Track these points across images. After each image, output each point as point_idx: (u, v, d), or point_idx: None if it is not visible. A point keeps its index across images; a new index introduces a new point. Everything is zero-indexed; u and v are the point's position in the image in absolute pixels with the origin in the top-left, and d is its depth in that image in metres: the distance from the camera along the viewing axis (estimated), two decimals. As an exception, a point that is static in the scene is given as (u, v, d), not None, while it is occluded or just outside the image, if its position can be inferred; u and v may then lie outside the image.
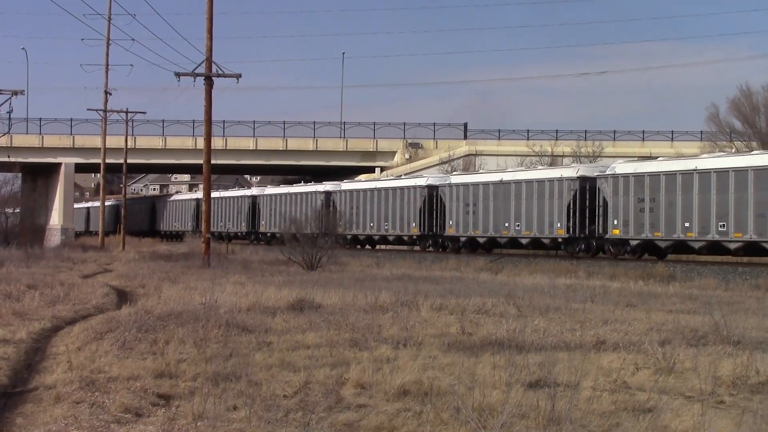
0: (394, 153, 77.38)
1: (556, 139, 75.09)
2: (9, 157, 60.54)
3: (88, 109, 68.84)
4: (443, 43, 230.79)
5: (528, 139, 75.84)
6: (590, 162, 58.18)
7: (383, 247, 55.97)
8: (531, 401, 9.80)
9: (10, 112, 46.53)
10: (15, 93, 46.30)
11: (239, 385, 11.15)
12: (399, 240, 53.11)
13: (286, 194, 64.43)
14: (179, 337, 14.68)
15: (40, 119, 77.86)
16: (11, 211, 71.25)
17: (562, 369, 11.65)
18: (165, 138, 78.12)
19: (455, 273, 35.32)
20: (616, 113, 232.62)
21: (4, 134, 48.16)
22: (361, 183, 59.89)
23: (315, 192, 60.50)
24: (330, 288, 23.88)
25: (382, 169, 75.94)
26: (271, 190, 69.64)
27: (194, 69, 39.43)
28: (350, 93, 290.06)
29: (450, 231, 48.06)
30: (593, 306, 20.44)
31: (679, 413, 9.79)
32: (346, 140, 77.89)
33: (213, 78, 39.21)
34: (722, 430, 9.28)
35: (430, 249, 49.97)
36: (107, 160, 65.00)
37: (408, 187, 51.82)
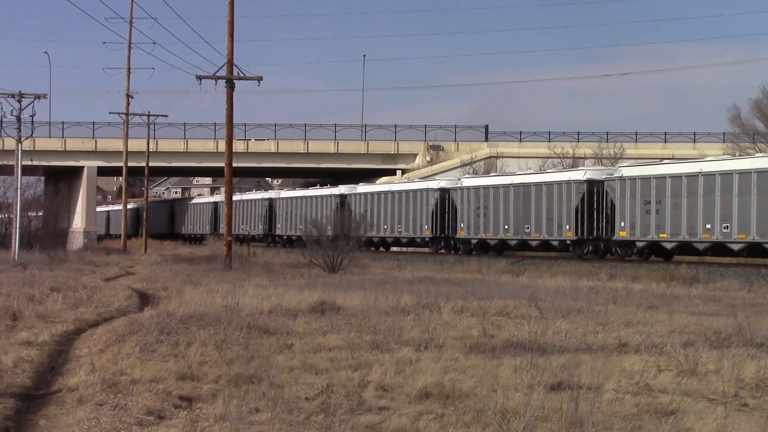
0: (415, 155, 77.28)
1: (578, 141, 74.80)
2: (32, 160, 60.77)
3: (110, 113, 69.68)
4: (464, 45, 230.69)
5: (549, 141, 75.60)
6: (611, 164, 57.98)
7: (395, 249, 56.06)
8: (553, 404, 9.78)
9: (33, 116, 46.74)
10: (38, 96, 46.53)
11: (261, 387, 11.16)
12: (412, 242, 53.34)
13: (301, 197, 65.02)
14: (201, 340, 14.72)
15: (63, 123, 78.17)
16: (34, 214, 71.63)
17: (584, 371, 11.62)
18: (186, 141, 78.26)
19: (477, 275, 35.29)
20: (638, 115, 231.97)
21: (27, 138, 48.36)
22: (376, 186, 60.06)
23: (330, 195, 60.87)
24: (351, 290, 23.89)
25: (403, 171, 75.84)
26: (287, 193, 70.24)
27: (215, 72, 39.57)
28: (371, 95, 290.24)
29: (461, 233, 48.27)
30: (615, 308, 20.37)
31: (702, 416, 9.74)
32: (367, 143, 77.82)
33: (234, 81, 39.31)
34: (746, 433, 9.22)
35: (442, 251, 50.19)
36: (129, 164, 65.22)
37: (421, 190, 52.02)
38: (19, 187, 47.17)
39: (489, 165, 72.63)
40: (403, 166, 76.91)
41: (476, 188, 47.84)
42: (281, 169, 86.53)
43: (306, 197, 64.20)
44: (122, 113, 64.60)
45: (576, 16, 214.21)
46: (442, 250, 50.14)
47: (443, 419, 9.71)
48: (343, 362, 13.03)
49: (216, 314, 17.62)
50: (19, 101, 45.72)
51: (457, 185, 49.64)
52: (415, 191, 52.47)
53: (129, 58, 64.20)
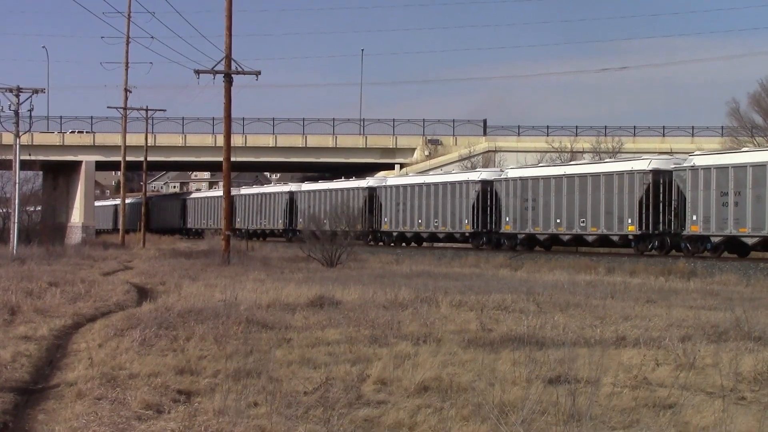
0: (413, 150, 77.31)
1: (576, 135, 74.83)
2: (30, 155, 60.75)
3: (108, 107, 69.37)
4: (462, 39, 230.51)
5: (548, 135, 75.64)
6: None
7: (429, 244, 53.55)
8: (551, 397, 9.79)
9: (31, 110, 46.69)
10: (36, 91, 46.46)
11: (260, 381, 11.17)
12: (450, 237, 50.57)
13: (325, 190, 61.52)
14: (199, 334, 14.74)
15: (61, 117, 78.16)
16: (32, 209, 71.66)
17: (582, 365, 11.64)
18: (185, 135, 78.22)
19: (475, 270, 35.31)
20: (636, 109, 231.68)
21: (25, 132, 48.30)
22: (408, 178, 56.72)
23: (357, 188, 57.73)
24: (350, 285, 23.90)
25: (402, 165, 75.86)
26: (309, 185, 65.80)
27: (214, 66, 39.54)
28: (369, 90, 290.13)
29: (506, 228, 45.41)
30: (613, 302, 20.39)
31: (699, 409, 9.76)
32: (366, 137, 77.82)
33: (232, 75, 39.29)
34: (743, 427, 9.24)
35: (484, 247, 47.43)
36: (127, 158, 65.20)
37: (460, 182, 48.95)
38: (17, 181, 47.14)
39: (487, 159, 72.67)
40: (401, 160, 76.93)
41: (524, 179, 44.90)
42: (279, 163, 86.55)
43: (330, 190, 60.85)
44: (120, 108, 64.56)
45: (575, 10, 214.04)
46: (484, 246, 47.49)
47: (441, 413, 9.72)
48: (341, 356, 13.05)
49: (214, 309, 17.63)
50: (17, 96, 45.64)
51: (501, 176, 46.77)
52: (453, 183, 49.49)
53: (127, 52, 64.13)
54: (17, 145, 46.17)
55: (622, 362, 12.44)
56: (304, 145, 77.88)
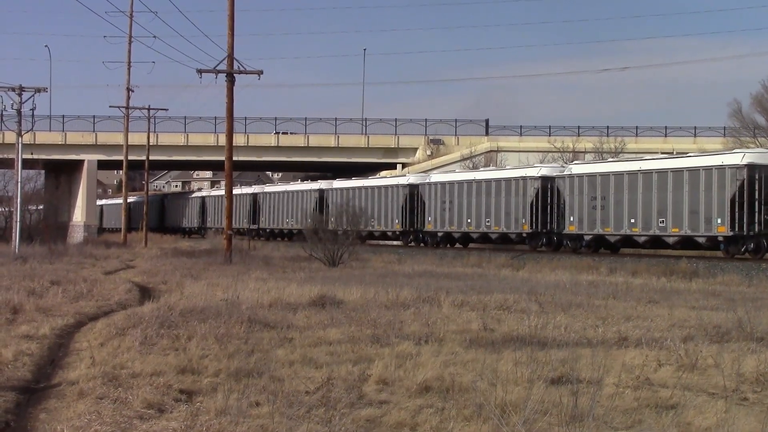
0: (415, 149, 77.33)
1: (578, 135, 74.86)
2: (32, 154, 60.82)
3: (110, 106, 69.25)
4: (464, 39, 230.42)
5: (550, 135, 75.65)
6: (612, 158, 56.49)
7: (474, 246, 49.66)
8: (553, 398, 9.78)
9: (33, 109, 46.75)
10: (38, 90, 46.53)
11: (261, 381, 11.17)
12: (504, 238, 46.93)
13: (360, 188, 57.65)
14: (201, 333, 14.73)
15: (63, 116, 78.19)
16: (34, 208, 71.67)
17: (584, 365, 11.63)
18: (187, 135, 78.25)
19: (477, 269, 35.28)
20: (638, 109, 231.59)
21: (28, 131, 48.34)
22: (455, 174, 52.41)
23: (397, 185, 54.08)
24: (351, 284, 23.89)
25: (404, 165, 75.90)
26: (340, 183, 61.64)
27: (216, 66, 39.56)
28: (371, 89, 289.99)
29: (571, 228, 41.77)
30: (615, 302, 20.37)
31: (702, 410, 9.75)
32: (368, 137, 77.83)
33: (234, 75, 39.30)
34: (746, 427, 9.23)
35: (543, 249, 44.12)
36: (129, 157, 65.23)
37: (516, 179, 45.25)
38: (19, 180, 47.18)
39: (489, 159, 72.69)
40: (403, 160, 76.96)
41: (591, 176, 41.07)
42: (282, 162, 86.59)
43: (366, 188, 57.00)
44: (122, 107, 64.59)
45: (576, 10, 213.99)
46: (543, 248, 44.14)
47: (443, 413, 9.71)
48: (343, 356, 13.04)
49: (216, 308, 17.63)
50: (20, 95, 45.70)
51: (564, 172, 43.06)
52: (509, 180, 45.60)
53: (129, 51, 64.21)
54: (19, 144, 46.21)
55: (624, 363, 12.42)
56: (306, 145, 77.90)
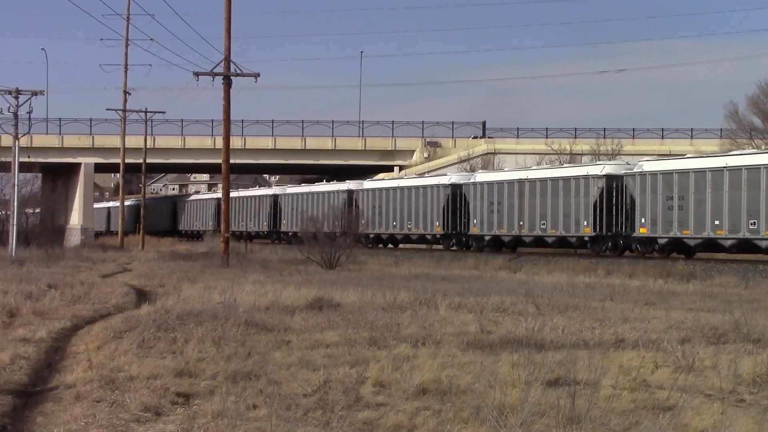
0: (412, 152, 77.38)
1: (575, 137, 74.93)
2: (29, 157, 60.82)
3: (107, 109, 69.08)
4: (461, 41, 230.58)
5: (547, 137, 75.72)
6: (609, 159, 55.98)
7: (526, 249, 46.04)
8: (550, 400, 9.78)
9: (30, 113, 46.71)
10: (35, 93, 46.48)
11: (259, 383, 11.16)
12: (563, 242, 43.16)
13: (394, 188, 53.48)
14: (198, 336, 14.71)
15: (60, 119, 78.19)
16: (31, 211, 71.61)
17: (581, 367, 11.62)
18: (184, 137, 78.27)
19: (474, 272, 35.30)
20: (636, 111, 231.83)
21: (24, 134, 48.32)
22: (503, 173, 48.63)
23: (438, 185, 50.11)
24: (348, 287, 23.89)
25: (401, 168, 75.96)
26: (372, 183, 57.83)
27: (213, 68, 39.54)
28: (368, 92, 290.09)
29: (642, 231, 38.06)
30: (612, 304, 20.39)
31: (699, 412, 9.76)
32: (365, 139, 77.91)
33: (231, 77, 39.30)
34: (742, 429, 9.24)
35: (608, 253, 40.69)
36: (126, 160, 65.23)
37: (576, 177, 41.74)
38: (16, 183, 47.14)
39: (486, 161, 72.74)
40: (400, 162, 77.02)
41: (666, 174, 37.29)
42: (279, 165, 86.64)
43: (402, 188, 52.80)
44: (119, 110, 64.60)
45: (573, 12, 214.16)
46: (608, 252, 40.70)
47: (440, 415, 9.71)
48: (340, 358, 13.04)
49: (213, 311, 17.62)
50: (16, 98, 45.66)
51: (634, 170, 39.15)
52: (567, 179, 42.09)
53: (126, 54, 64.17)
54: (16, 147, 46.17)
55: (621, 364, 12.43)
56: (303, 147, 77.95)
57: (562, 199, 41.95)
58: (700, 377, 11.75)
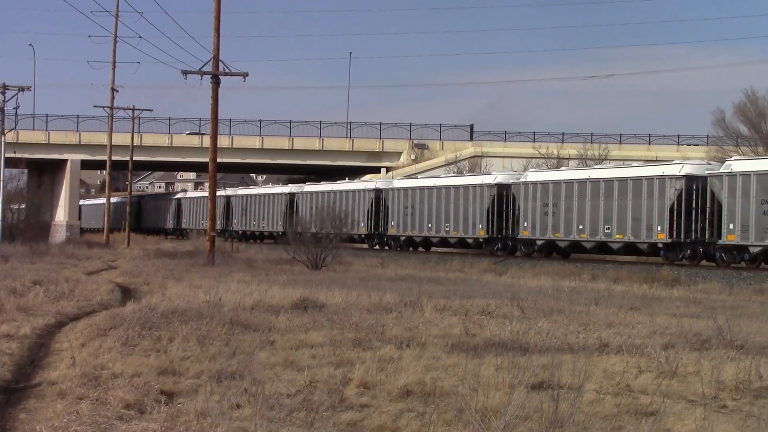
0: (400, 154, 77.41)
1: (563, 142, 75.11)
2: (15, 153, 60.66)
3: (94, 106, 69.02)
4: (451, 44, 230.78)
5: (534, 141, 75.86)
6: (595, 164, 55.98)
7: (580, 255, 42.44)
8: (534, 403, 9.80)
9: (16, 108, 46.63)
10: (22, 89, 46.44)
11: (243, 383, 11.15)
12: (631, 248, 39.14)
13: (431, 188, 49.47)
14: (183, 335, 14.70)
15: (47, 115, 77.94)
16: (17, 207, 71.40)
17: (565, 371, 11.65)
18: (171, 136, 78.11)
19: (459, 274, 35.33)
20: (623, 116, 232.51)
21: (11, 130, 48.20)
22: (559, 172, 44.84)
23: (482, 185, 45.87)
24: (334, 287, 23.89)
25: (388, 169, 76.00)
26: (402, 182, 53.74)
27: (201, 67, 39.50)
28: (357, 93, 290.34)
29: (729, 238, 33.99)
30: (597, 309, 20.43)
31: (681, 417, 9.79)
32: (352, 140, 77.91)
33: (220, 76, 39.27)
34: (725, 435, 9.27)
35: (685, 262, 36.66)
36: (113, 157, 65.06)
37: (649, 178, 37.78)
38: (1, 179, 47.03)
39: (473, 164, 72.82)
40: (387, 164, 77.06)
41: (762, 174, 33.36)
42: (266, 165, 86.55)
43: (439, 188, 48.92)
44: (107, 107, 64.44)
45: (563, 17, 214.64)
46: (685, 261, 36.82)
47: (424, 417, 9.72)
48: (325, 359, 13.04)
49: (198, 309, 17.60)
50: (3, 93, 45.61)
51: (722, 170, 35.21)
52: (638, 179, 38.05)
53: (114, 52, 64.04)
54: (2, 143, 46.08)
55: (605, 369, 12.47)
56: (290, 148, 77.90)
57: (632, 202, 37.97)
58: (683, 383, 11.79)
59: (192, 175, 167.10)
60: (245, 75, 39.87)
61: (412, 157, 76.54)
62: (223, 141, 65.11)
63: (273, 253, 48.04)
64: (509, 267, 38.33)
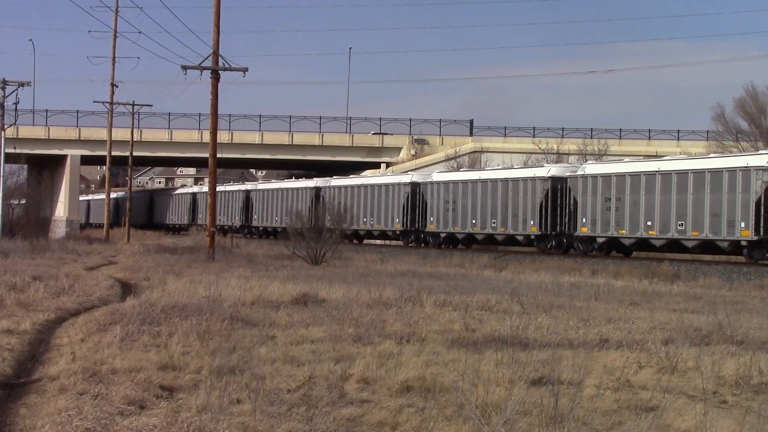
0: (399, 149, 77.36)
1: (563, 137, 75.07)
2: (15, 148, 60.60)
3: (94, 101, 69.13)
4: (450, 39, 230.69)
5: (534, 137, 75.83)
6: (596, 160, 55.04)
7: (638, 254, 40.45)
8: (534, 398, 9.81)
9: (16, 104, 46.63)
10: (22, 84, 46.41)
11: (243, 378, 11.16)
12: (706, 246, 35.81)
13: (476, 181, 46.62)
14: (183, 330, 14.70)
15: (47, 111, 77.94)
16: (17, 202, 71.35)
17: (565, 367, 11.66)
18: (171, 131, 78.07)
19: (459, 270, 35.30)
20: (623, 111, 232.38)
21: (11, 125, 48.19)
22: (624, 165, 40.35)
23: (534, 178, 43.11)
24: (334, 283, 23.89)
25: (388, 164, 75.95)
26: (441, 176, 50.72)
27: (201, 62, 39.48)
28: (356, 88, 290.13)
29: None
30: (597, 304, 20.43)
31: (681, 412, 9.79)
32: (352, 135, 77.84)
33: (219, 71, 39.23)
34: (724, 430, 9.28)
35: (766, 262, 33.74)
36: (113, 153, 65.04)
37: (721, 170, 34.39)
38: (1, 174, 47.01)
39: (473, 159, 72.78)
40: (387, 159, 76.99)
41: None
42: (266, 160, 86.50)
43: (484, 181, 45.96)
44: (107, 102, 64.41)
45: (562, 12, 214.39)
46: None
47: (424, 413, 9.72)
48: (325, 354, 13.04)
49: (198, 305, 17.60)
50: (3, 88, 45.58)
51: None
52: (716, 172, 34.54)
53: (114, 47, 64.03)
54: (2, 138, 46.05)
55: (605, 364, 12.47)
56: (290, 143, 77.83)
57: (710, 194, 34.62)
58: (683, 378, 11.80)
59: (192, 171, 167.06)
60: (245, 70, 39.85)
61: (412, 152, 76.48)
62: (222, 136, 65.03)
63: (273, 248, 48.01)
64: (509, 262, 38.32)
